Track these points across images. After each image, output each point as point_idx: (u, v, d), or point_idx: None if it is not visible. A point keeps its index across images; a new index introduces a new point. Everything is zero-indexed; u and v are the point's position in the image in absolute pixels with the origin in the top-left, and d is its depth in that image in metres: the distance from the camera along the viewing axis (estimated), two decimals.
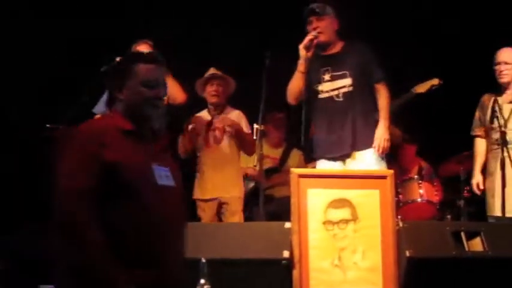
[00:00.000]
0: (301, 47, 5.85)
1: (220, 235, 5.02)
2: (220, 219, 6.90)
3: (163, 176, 3.18)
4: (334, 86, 5.90)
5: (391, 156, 6.19)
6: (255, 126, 6.17)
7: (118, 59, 6.11)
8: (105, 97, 6.35)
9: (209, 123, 6.96)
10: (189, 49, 8.08)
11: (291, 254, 4.81)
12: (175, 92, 6.31)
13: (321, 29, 5.88)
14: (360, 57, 5.96)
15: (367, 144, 5.86)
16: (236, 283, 4.69)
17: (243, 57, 6.96)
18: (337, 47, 6.00)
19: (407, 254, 4.85)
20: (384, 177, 5.12)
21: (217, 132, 6.93)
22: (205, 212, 6.89)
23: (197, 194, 6.97)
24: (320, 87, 5.93)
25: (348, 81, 5.88)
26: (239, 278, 4.71)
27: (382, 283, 4.90)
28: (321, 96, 5.94)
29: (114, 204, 3.01)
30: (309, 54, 5.86)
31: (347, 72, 5.88)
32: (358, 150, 5.85)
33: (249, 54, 6.88)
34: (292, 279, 4.80)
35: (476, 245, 5.06)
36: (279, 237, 4.88)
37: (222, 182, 6.87)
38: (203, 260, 4.33)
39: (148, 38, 6.43)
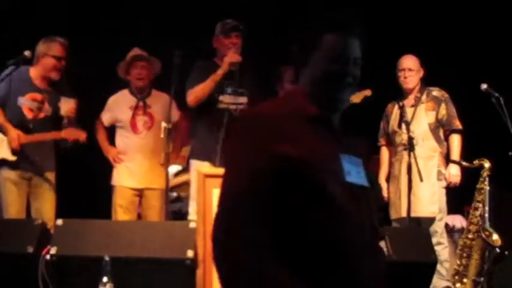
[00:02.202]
0: (228, 61, 5.98)
1: (124, 233, 4.94)
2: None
3: (354, 171, 2.61)
4: (235, 100, 6.05)
5: None
6: (163, 124, 6.07)
7: (27, 52, 6.03)
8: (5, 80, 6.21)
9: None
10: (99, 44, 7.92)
11: (195, 253, 4.76)
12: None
13: (238, 46, 6.08)
14: (255, 80, 6.24)
15: None
16: (139, 282, 4.64)
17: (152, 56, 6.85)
18: (237, 64, 6.09)
19: None
20: None
21: (146, 118, 6.67)
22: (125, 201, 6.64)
23: (121, 181, 6.69)
24: (221, 98, 6.06)
25: (245, 99, 6.08)
26: (142, 276, 4.65)
27: None
28: (220, 106, 6.06)
29: (299, 212, 2.46)
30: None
31: (244, 91, 6.10)
32: None
33: (159, 53, 6.77)
34: (195, 279, 4.76)
35: None
36: (184, 237, 4.84)
37: (150, 171, 6.60)
38: (106, 258, 4.27)
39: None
